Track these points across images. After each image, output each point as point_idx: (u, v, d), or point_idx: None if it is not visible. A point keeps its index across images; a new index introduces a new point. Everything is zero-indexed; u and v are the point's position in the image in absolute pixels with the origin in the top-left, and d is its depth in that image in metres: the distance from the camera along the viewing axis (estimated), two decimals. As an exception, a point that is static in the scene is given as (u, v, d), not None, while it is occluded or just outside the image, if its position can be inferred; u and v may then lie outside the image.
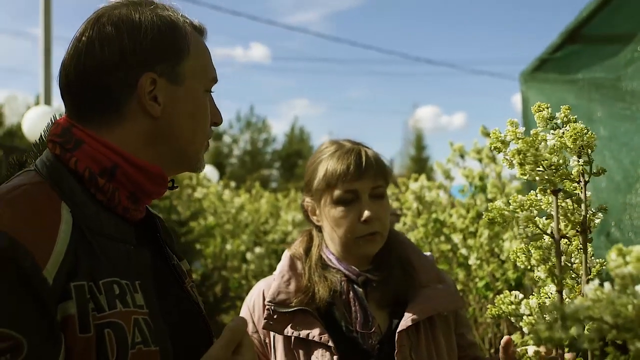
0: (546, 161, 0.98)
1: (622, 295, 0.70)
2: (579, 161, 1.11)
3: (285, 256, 1.79)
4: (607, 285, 0.72)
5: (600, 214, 1.11)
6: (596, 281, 0.75)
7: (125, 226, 1.12)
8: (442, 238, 3.34)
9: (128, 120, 1.12)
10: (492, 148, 1.04)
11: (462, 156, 3.59)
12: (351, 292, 1.69)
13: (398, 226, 3.81)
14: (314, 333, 1.61)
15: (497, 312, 0.99)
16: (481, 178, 3.48)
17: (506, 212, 1.01)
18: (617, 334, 0.72)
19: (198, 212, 4.95)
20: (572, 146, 1.10)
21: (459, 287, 3.14)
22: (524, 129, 1.06)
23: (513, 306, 0.98)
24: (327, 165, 1.69)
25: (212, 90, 1.23)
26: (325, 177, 1.68)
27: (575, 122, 1.11)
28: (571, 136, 1.09)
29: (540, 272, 0.98)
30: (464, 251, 3.00)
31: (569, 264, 1.06)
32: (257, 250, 5.61)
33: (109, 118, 1.12)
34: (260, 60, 64.31)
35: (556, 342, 0.70)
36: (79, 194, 1.07)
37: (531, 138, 1.00)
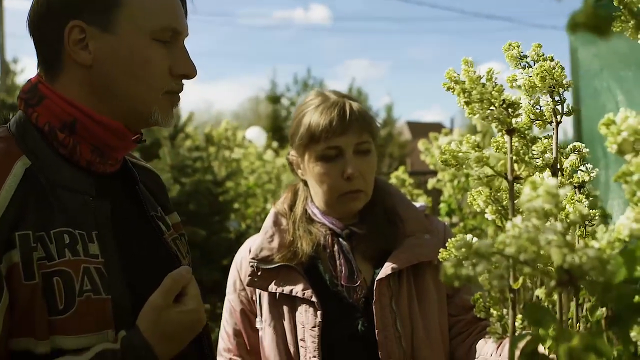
0: (496, 100, 0.94)
1: (530, 230, 0.67)
2: (549, 101, 1.07)
3: (271, 213, 1.76)
4: (527, 221, 0.69)
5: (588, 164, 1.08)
6: (518, 217, 0.72)
7: (87, 179, 1.13)
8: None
9: (67, 71, 1.13)
10: (446, 89, 1.00)
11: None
12: (336, 246, 1.65)
13: (432, 182, 3.76)
14: (297, 289, 1.59)
15: (447, 255, 0.97)
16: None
17: (460, 154, 0.97)
18: (531, 270, 0.69)
19: (235, 172, 4.99)
20: (540, 85, 1.06)
21: (487, 242, 3.08)
22: (489, 69, 1.02)
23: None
24: (310, 119, 1.63)
25: (166, 38, 1.17)
26: (308, 132, 1.62)
27: (551, 60, 1.07)
28: (538, 74, 1.05)
29: (488, 214, 0.94)
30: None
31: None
32: (299, 209, 5.57)
33: (53, 70, 1.14)
34: (320, 21, 63.80)
35: (463, 281, 0.68)
36: (42, 148, 1.10)
37: (481, 76, 0.96)
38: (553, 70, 1.06)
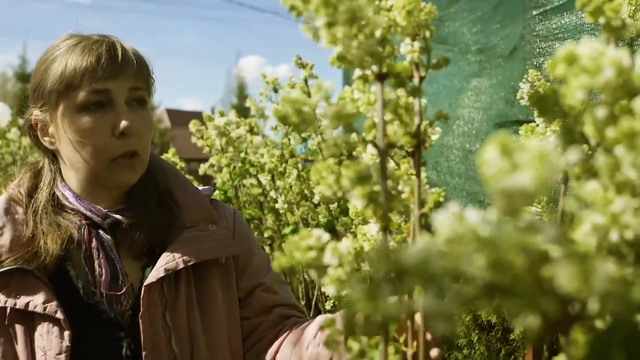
0: (369, 27, 0.62)
1: (508, 228, 0.35)
2: (413, 47, 0.78)
3: (1, 199, 1.28)
4: (472, 212, 0.37)
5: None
6: (454, 205, 0.40)
7: None
8: (254, 181, 3.00)
9: None
10: (289, 8, 0.66)
11: (275, 90, 3.24)
12: (94, 241, 1.23)
13: (204, 167, 3.42)
14: (37, 301, 1.15)
15: (288, 263, 0.62)
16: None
17: (305, 108, 0.63)
18: (503, 299, 0.37)
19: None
20: (405, 23, 0.76)
21: (267, 234, 2.81)
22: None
23: (313, 253, 0.61)
24: (65, 61, 1.19)
25: None
26: (65, 75, 1.18)
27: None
28: (405, 7, 0.75)
29: (356, 199, 0.61)
30: (272, 194, 2.66)
31: (397, 192, 0.72)
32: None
33: None
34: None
35: (390, 318, 0.35)
36: None
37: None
38: (422, 7, 0.76)
